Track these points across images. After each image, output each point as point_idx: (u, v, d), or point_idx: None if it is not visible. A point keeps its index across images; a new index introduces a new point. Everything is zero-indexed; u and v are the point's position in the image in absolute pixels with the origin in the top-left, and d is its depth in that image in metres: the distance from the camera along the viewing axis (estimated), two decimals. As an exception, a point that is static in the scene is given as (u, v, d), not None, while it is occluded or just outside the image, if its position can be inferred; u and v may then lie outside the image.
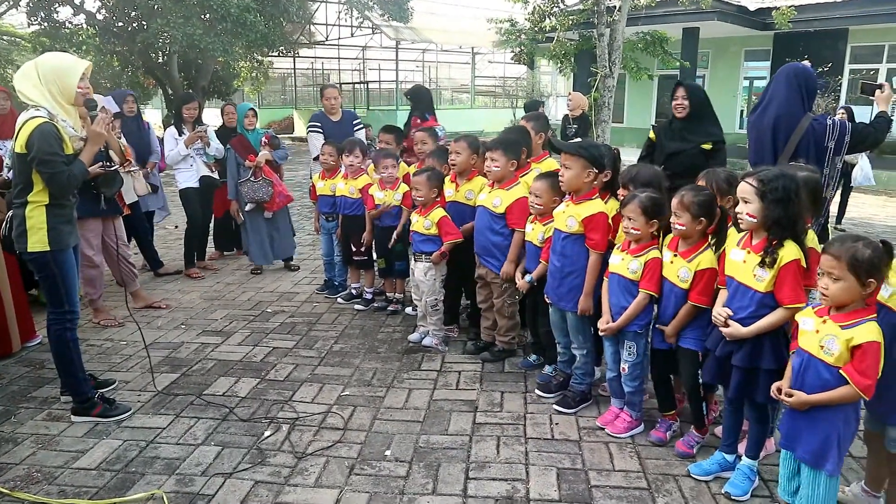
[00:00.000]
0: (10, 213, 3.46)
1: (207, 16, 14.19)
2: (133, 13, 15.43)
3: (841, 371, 2.27)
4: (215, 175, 6.28)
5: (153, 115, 24.92)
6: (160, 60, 16.84)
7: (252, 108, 6.39)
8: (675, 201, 2.99)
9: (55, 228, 3.37)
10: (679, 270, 3.03)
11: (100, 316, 5.01)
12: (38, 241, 3.34)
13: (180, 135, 6.11)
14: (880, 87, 3.78)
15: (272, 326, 4.94)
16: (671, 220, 3.02)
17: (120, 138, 5.22)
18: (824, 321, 2.33)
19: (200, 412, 3.60)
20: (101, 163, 4.24)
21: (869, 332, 2.23)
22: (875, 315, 2.29)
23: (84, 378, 3.56)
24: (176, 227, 7.73)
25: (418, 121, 6.27)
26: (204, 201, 6.31)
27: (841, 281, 2.25)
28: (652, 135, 4.25)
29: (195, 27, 13.52)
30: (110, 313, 5.09)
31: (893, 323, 2.34)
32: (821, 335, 2.32)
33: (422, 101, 6.55)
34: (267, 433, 3.37)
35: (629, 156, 12.04)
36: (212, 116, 22.26)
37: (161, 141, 6.37)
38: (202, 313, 5.25)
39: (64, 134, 3.34)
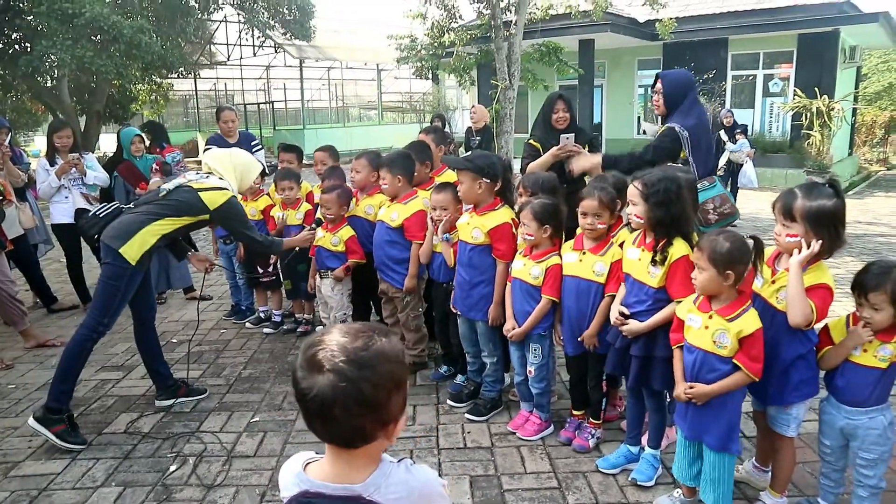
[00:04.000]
0: (114, 205, 3.66)
1: (98, 37, 13.58)
2: (14, 35, 14.57)
3: (734, 360, 2.44)
4: (94, 207, 5.80)
5: (44, 142, 23.56)
6: (48, 84, 15.94)
7: (139, 134, 6.06)
8: (592, 203, 3.05)
9: (150, 253, 3.52)
10: (594, 265, 3.10)
11: (-16, 359, 4.70)
12: (132, 251, 3.42)
13: (52, 165, 5.56)
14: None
15: (177, 356, 4.76)
16: (589, 221, 3.08)
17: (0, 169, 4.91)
18: (711, 317, 2.49)
19: (100, 452, 3.41)
20: None
21: (752, 321, 2.42)
22: (750, 302, 2.47)
23: (72, 392, 3.53)
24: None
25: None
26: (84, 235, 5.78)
27: (704, 271, 2.44)
28: (536, 144, 4.37)
29: (85, 49, 12.86)
30: (-3, 356, 4.77)
31: (767, 311, 2.52)
32: (711, 331, 2.48)
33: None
34: (173, 468, 3.24)
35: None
36: (110, 142, 21.29)
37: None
38: (101, 348, 4.95)
39: None
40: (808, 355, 2.51)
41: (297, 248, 4.35)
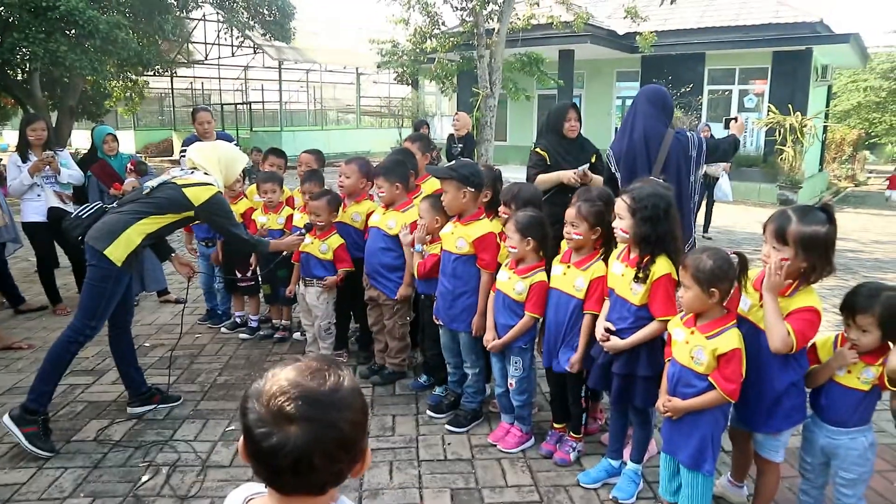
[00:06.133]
0: (97, 205, 3.59)
1: (73, 31, 13.29)
2: (-17, 27, 14.22)
3: (709, 378, 2.43)
4: (68, 206, 5.53)
5: (12, 136, 22.99)
6: (19, 78, 15.56)
7: (111, 133, 5.91)
8: (571, 212, 3.04)
9: (136, 253, 3.46)
10: (575, 281, 3.08)
11: (-52, 361, 4.54)
12: (118, 252, 3.35)
13: (25, 161, 5.39)
14: (734, 118, 4.28)
15: (150, 361, 4.64)
16: (566, 230, 3.07)
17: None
18: (692, 332, 2.49)
19: (68, 461, 3.30)
20: None
21: (730, 340, 2.41)
22: (735, 322, 2.47)
23: (51, 395, 3.47)
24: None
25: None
26: (56, 235, 5.52)
27: (689, 290, 2.44)
28: (543, 153, 4.33)
29: (59, 43, 12.54)
30: (-39, 358, 4.62)
31: (755, 335, 2.49)
32: (690, 346, 2.48)
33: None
34: (145, 478, 3.15)
35: (514, 173, 12.37)
36: (82, 139, 20.81)
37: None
38: (70, 352, 4.85)
39: None
40: (799, 381, 2.51)
41: (283, 253, 4.26)
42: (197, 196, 3.52)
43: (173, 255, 3.96)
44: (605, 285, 3.02)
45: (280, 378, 1.08)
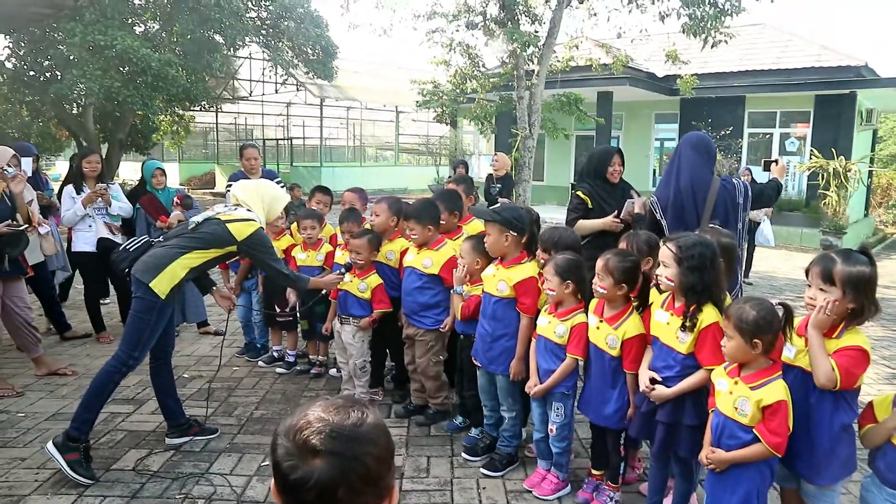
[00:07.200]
0: (143, 239, 3.71)
1: (126, 68, 13.90)
2: (46, 62, 14.91)
3: (754, 430, 2.37)
4: (116, 237, 5.68)
5: (66, 167, 23.89)
6: (75, 112, 16.25)
7: (160, 168, 6.11)
8: (599, 264, 3.04)
9: (179, 286, 3.56)
10: (607, 338, 3.06)
11: (-5, 385, 4.66)
12: (162, 285, 3.45)
13: (79, 192, 5.61)
14: (775, 161, 4.24)
15: (189, 392, 4.70)
16: (595, 280, 3.07)
17: (31, 203, 4.91)
18: (736, 382, 2.44)
19: (107, 490, 3.34)
20: (7, 221, 4.06)
21: (776, 392, 2.35)
22: (780, 373, 2.41)
23: (93, 423, 3.55)
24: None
25: None
26: (104, 265, 5.47)
27: (732, 339, 2.40)
28: (585, 197, 4.31)
29: (113, 79, 13.14)
30: (7, 381, 4.73)
31: (804, 382, 2.44)
32: (734, 397, 2.43)
33: None
34: (181, 511, 3.18)
35: (551, 213, 12.35)
36: (129, 171, 21.47)
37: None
38: (112, 380, 4.94)
39: None
40: (850, 427, 2.44)
41: (322, 291, 4.30)
42: (240, 231, 3.62)
43: (214, 288, 4.04)
44: (641, 344, 3.00)
45: (307, 415, 1.13)
